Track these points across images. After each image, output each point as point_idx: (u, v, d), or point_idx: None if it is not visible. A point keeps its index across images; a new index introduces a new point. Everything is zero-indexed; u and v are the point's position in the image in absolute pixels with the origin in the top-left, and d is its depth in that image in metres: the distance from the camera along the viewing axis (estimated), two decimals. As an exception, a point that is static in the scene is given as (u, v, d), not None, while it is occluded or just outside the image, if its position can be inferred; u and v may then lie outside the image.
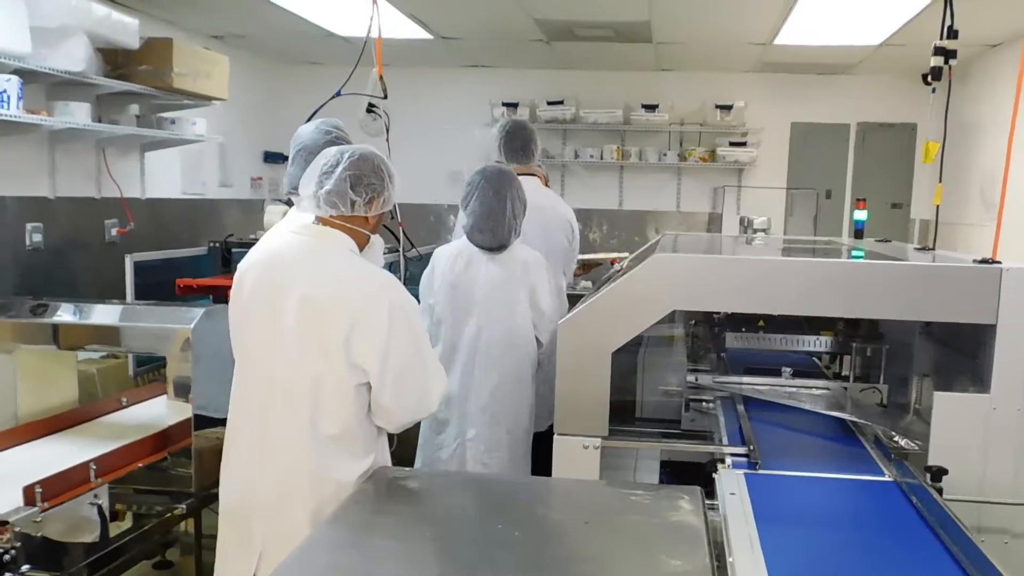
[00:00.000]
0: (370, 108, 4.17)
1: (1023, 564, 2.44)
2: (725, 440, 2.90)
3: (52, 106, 4.72)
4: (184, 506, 3.23)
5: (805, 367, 3.78)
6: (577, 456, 2.84)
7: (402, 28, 6.57)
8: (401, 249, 3.93)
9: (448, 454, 3.51)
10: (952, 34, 4.75)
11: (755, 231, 6.10)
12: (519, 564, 1.93)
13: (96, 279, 5.38)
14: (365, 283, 2.43)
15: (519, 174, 4.03)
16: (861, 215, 4.67)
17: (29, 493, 2.62)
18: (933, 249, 3.87)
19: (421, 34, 6.90)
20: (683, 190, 8.66)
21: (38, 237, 5.08)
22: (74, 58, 4.50)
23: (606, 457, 2.87)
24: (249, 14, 6.36)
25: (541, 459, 2.95)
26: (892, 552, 2.15)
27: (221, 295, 4.03)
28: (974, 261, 2.81)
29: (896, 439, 2.94)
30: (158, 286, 4.60)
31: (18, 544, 2.50)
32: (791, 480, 2.61)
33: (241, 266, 2.59)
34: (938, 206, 5.42)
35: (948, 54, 4.74)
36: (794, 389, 3.49)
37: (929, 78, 4.81)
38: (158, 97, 5.39)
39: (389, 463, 2.60)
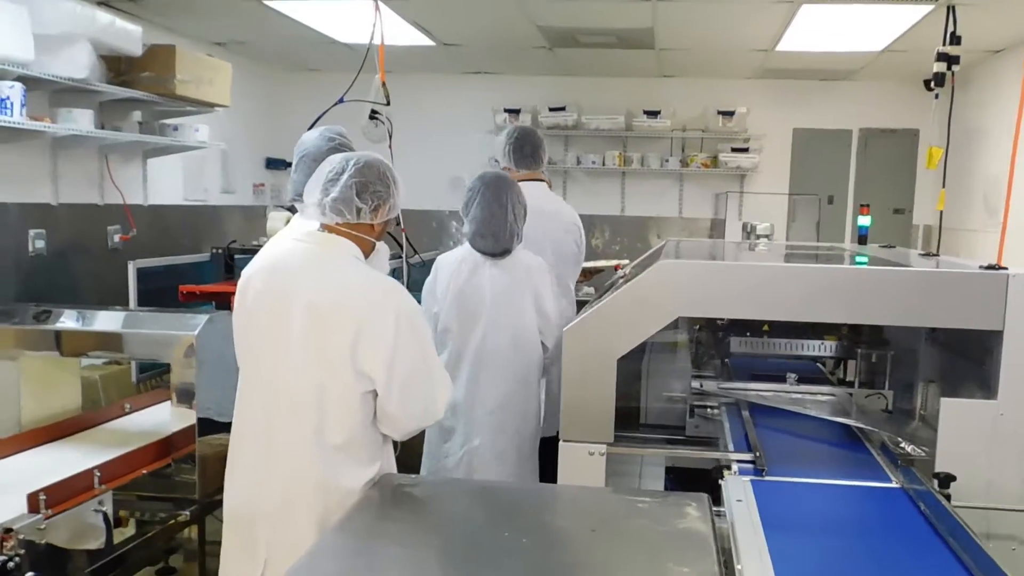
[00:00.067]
0: (373, 115, 4.17)
1: (1032, 571, 2.44)
2: (731, 446, 2.89)
3: (55, 113, 4.72)
4: (188, 513, 3.23)
5: (809, 373, 3.78)
6: (583, 462, 2.83)
7: (404, 35, 6.58)
8: (404, 255, 3.93)
9: (455, 462, 3.50)
10: (955, 40, 4.77)
11: (758, 237, 6.10)
12: (527, 571, 1.93)
13: (98, 285, 5.38)
14: (371, 290, 2.42)
15: (528, 179, 4.06)
16: (865, 221, 4.66)
17: (33, 500, 2.61)
18: (937, 255, 3.86)
19: (423, 41, 6.90)
20: (685, 196, 8.65)
21: (41, 244, 5.07)
22: (77, 65, 4.51)
23: (611, 463, 2.86)
24: (251, 21, 6.37)
25: (551, 464, 2.94)
26: (901, 559, 2.14)
27: (224, 301, 4.03)
28: (980, 267, 2.81)
29: (903, 445, 2.93)
30: (161, 292, 4.59)
31: (22, 551, 2.48)
32: (798, 487, 2.60)
33: (245, 273, 2.59)
34: (942, 212, 5.43)
35: (951, 60, 4.76)
36: (799, 395, 3.49)
37: (932, 84, 4.82)
38: (161, 104, 5.39)
39: (395, 470, 2.59)
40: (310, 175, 2.64)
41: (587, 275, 5.31)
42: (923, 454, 2.84)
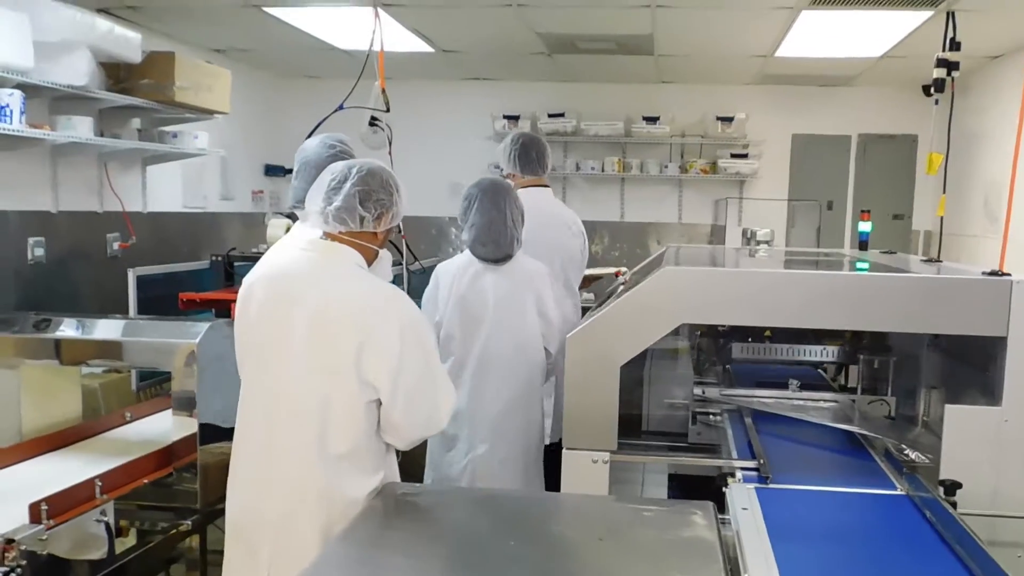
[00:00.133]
0: (373, 121, 4.17)
1: (1037, 579, 2.43)
2: (734, 454, 2.88)
3: (55, 120, 4.71)
4: (190, 522, 3.21)
5: (810, 379, 3.77)
6: (586, 470, 2.82)
7: (404, 41, 6.58)
8: (404, 262, 3.92)
9: (459, 470, 3.49)
10: (954, 46, 4.77)
11: (758, 243, 6.10)
12: (534, 581, 1.92)
13: (98, 293, 5.36)
14: (375, 299, 2.41)
15: (532, 185, 4.08)
16: (865, 226, 4.66)
17: (35, 510, 2.60)
18: (939, 261, 3.86)
19: (423, 47, 6.90)
20: (684, 202, 8.66)
21: (40, 251, 5.06)
22: (77, 72, 4.50)
23: (613, 471, 2.85)
24: (251, 28, 6.37)
25: (559, 470, 2.93)
26: (908, 567, 2.13)
27: (224, 309, 4.01)
28: (984, 273, 2.80)
29: (907, 452, 2.92)
30: (160, 300, 4.58)
31: (24, 562, 2.47)
32: (803, 494, 2.59)
33: (247, 281, 2.58)
34: (942, 217, 5.42)
35: (951, 66, 4.75)
36: (801, 402, 3.48)
37: (932, 89, 4.82)
38: (160, 111, 5.38)
39: (398, 479, 2.58)
40: (311, 182, 2.64)
41: (586, 282, 5.32)
42: (927, 461, 2.84)
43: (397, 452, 2.63)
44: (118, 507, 2.97)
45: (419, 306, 3.25)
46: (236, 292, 2.63)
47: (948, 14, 4.81)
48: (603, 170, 8.48)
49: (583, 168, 8.51)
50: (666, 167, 8.45)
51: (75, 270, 5.36)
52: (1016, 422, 2.65)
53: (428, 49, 6.99)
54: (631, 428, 3.15)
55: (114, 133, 5.27)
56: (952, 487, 2.41)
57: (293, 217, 3.39)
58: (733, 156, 8.35)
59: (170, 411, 3.51)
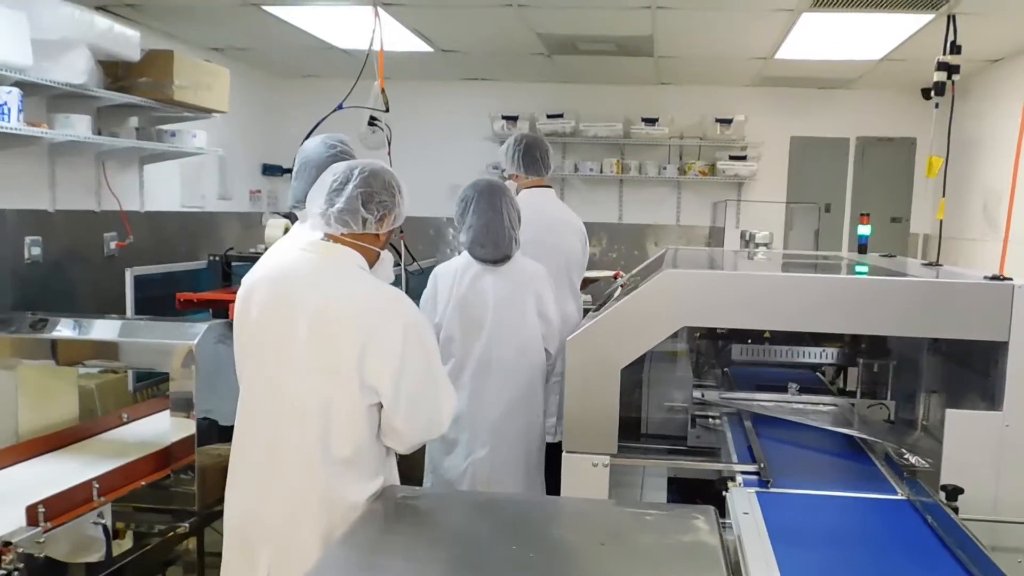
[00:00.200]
0: (372, 121, 4.17)
1: (1039, 585, 2.42)
2: (734, 457, 2.88)
3: (53, 119, 4.69)
4: (187, 524, 3.19)
5: (809, 383, 3.76)
6: (586, 474, 2.82)
7: (403, 41, 6.56)
8: (403, 263, 3.91)
9: (459, 473, 3.47)
10: (955, 49, 4.77)
11: (757, 245, 6.10)
12: (535, 586, 1.90)
13: (95, 293, 5.34)
14: (376, 301, 2.40)
15: (536, 186, 4.10)
16: (865, 230, 4.66)
17: (32, 513, 2.58)
18: (939, 265, 3.85)
19: (422, 47, 6.89)
20: (683, 204, 8.65)
21: (37, 251, 5.04)
22: (75, 70, 4.47)
23: (613, 474, 2.84)
24: (250, 27, 6.35)
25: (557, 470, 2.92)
26: (910, 572, 2.13)
27: (221, 309, 3.99)
28: (985, 278, 2.80)
29: (907, 456, 2.92)
30: (158, 300, 4.56)
31: (20, 565, 2.45)
32: (803, 499, 2.59)
33: (247, 282, 2.56)
34: (941, 221, 5.42)
35: (951, 69, 4.76)
36: (801, 405, 3.48)
37: (932, 93, 4.83)
38: (158, 110, 5.36)
39: (398, 482, 2.56)
40: (311, 183, 2.62)
41: (583, 284, 5.32)
42: (927, 465, 2.83)
43: (396, 455, 2.62)
44: (115, 509, 2.95)
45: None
46: (234, 292, 2.61)
47: (948, 17, 4.82)
48: (601, 171, 8.47)
49: (581, 169, 8.50)
50: (664, 169, 8.43)
51: (72, 269, 5.33)
52: (1017, 427, 2.65)
53: (427, 49, 6.98)
54: (630, 431, 3.15)
55: (112, 132, 5.25)
56: (954, 492, 2.41)
57: (291, 217, 3.38)
58: (732, 158, 8.34)
59: (167, 412, 3.50)
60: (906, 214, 8.40)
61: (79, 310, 4.99)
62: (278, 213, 6.88)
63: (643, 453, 3.09)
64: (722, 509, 2.44)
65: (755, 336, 3.66)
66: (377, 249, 2.50)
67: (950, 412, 2.70)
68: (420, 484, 3.59)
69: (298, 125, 4.17)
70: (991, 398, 2.73)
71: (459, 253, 3.70)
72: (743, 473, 2.71)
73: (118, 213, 5.65)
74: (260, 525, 2.42)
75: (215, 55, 7.22)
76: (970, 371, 2.94)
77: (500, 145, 8.11)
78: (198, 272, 5.23)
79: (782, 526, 2.28)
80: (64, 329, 3.46)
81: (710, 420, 3.36)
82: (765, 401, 3.50)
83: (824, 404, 3.50)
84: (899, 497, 2.61)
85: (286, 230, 4.07)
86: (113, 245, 5.66)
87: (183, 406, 3.28)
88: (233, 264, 4.99)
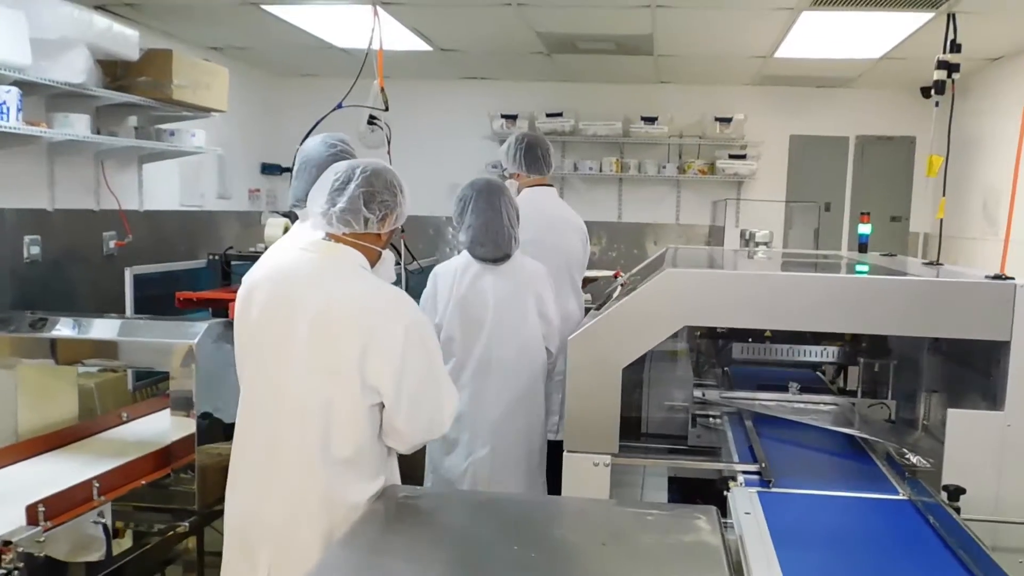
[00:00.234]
0: (371, 120, 4.16)
1: (1041, 585, 2.42)
2: (735, 457, 2.87)
3: (52, 118, 4.68)
4: (187, 524, 3.19)
5: (809, 382, 3.76)
6: (587, 473, 2.81)
7: (402, 40, 6.56)
8: (403, 262, 3.91)
9: (459, 473, 3.47)
10: (955, 48, 4.76)
11: (757, 244, 6.09)
12: (537, 587, 1.90)
13: (94, 292, 5.34)
14: (378, 301, 2.39)
15: (537, 185, 4.10)
16: (865, 229, 4.66)
17: (32, 512, 2.57)
18: (940, 264, 3.85)
19: (421, 46, 6.88)
20: (682, 203, 8.65)
21: (36, 250, 5.03)
22: (74, 70, 4.47)
23: (614, 473, 2.84)
24: (249, 26, 6.34)
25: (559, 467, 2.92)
26: (913, 573, 2.12)
27: (221, 308, 3.99)
28: (987, 277, 2.80)
29: (908, 456, 2.92)
30: (157, 299, 4.56)
31: (20, 564, 2.45)
32: (805, 499, 2.58)
33: (247, 281, 2.55)
34: (942, 220, 5.42)
35: (951, 68, 4.75)
36: (802, 405, 3.48)
37: (932, 91, 4.82)
38: (157, 109, 5.35)
39: (399, 483, 2.56)
40: (312, 182, 2.62)
41: (583, 283, 5.32)
42: (929, 465, 2.83)
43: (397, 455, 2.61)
44: (115, 508, 2.94)
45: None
46: (233, 291, 2.60)
47: (948, 16, 4.82)
48: (601, 170, 8.47)
49: (581, 168, 8.50)
50: (664, 167, 8.43)
51: (71, 269, 5.33)
52: (1019, 427, 2.64)
53: (426, 48, 6.97)
54: (630, 430, 3.15)
55: (111, 131, 5.24)
56: (956, 492, 2.40)
57: (291, 216, 3.37)
58: (731, 157, 8.34)
59: (166, 411, 3.49)
60: (905, 213, 8.40)
61: (78, 309, 4.97)
62: (277, 212, 6.87)
63: (644, 453, 3.08)
64: (723, 509, 2.44)
65: (755, 335, 3.65)
66: (379, 249, 2.49)
67: (952, 412, 2.70)
68: (421, 484, 3.58)
69: (297, 124, 4.17)
70: (992, 398, 2.72)
71: (458, 252, 3.69)
72: (744, 473, 2.70)
73: (117, 212, 5.64)
74: (260, 525, 2.41)
75: (214, 54, 7.21)
76: (971, 371, 2.94)
77: (499, 144, 8.13)
78: (197, 271, 5.22)
79: (784, 526, 2.27)
80: (64, 328, 3.45)
81: (710, 419, 3.35)
82: (766, 400, 3.50)
83: (825, 404, 3.49)
84: (901, 497, 2.60)
85: (286, 229, 4.07)
86: (112, 244, 5.66)
87: (183, 405, 3.28)
88: (232, 263, 4.98)
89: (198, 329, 3.29)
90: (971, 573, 2.05)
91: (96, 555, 2.76)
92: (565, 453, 2.85)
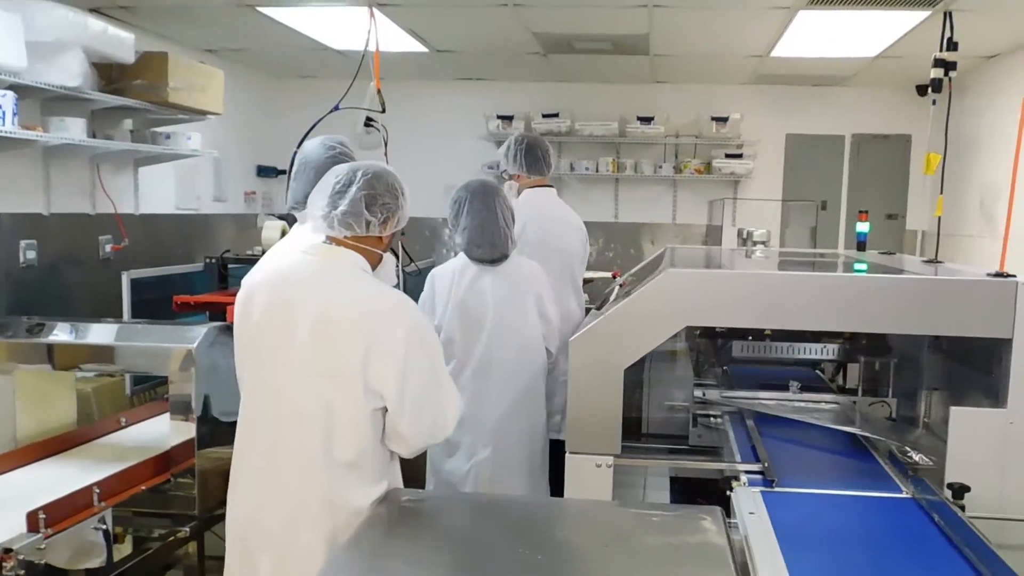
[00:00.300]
0: (368, 122, 4.15)
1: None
2: (738, 457, 2.86)
3: (47, 121, 4.66)
4: (187, 529, 3.17)
5: (808, 381, 3.75)
6: (590, 475, 2.80)
7: (399, 41, 6.55)
8: (400, 264, 3.89)
9: (461, 476, 3.46)
10: (952, 46, 4.75)
11: (754, 243, 6.10)
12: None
13: (90, 296, 5.32)
14: (380, 304, 2.37)
15: (537, 185, 4.11)
16: (863, 227, 4.66)
17: (32, 519, 2.55)
18: (940, 262, 3.85)
19: (417, 47, 6.87)
20: (679, 202, 8.65)
21: (32, 254, 5.01)
22: (70, 73, 4.45)
23: (616, 474, 2.83)
24: (244, 28, 6.33)
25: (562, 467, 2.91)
26: (919, 571, 2.11)
27: (218, 312, 3.98)
28: (988, 275, 2.79)
29: (910, 454, 2.91)
30: (154, 303, 4.54)
31: (22, 572, 2.43)
32: (809, 498, 2.57)
33: (247, 284, 2.53)
34: (939, 218, 5.42)
35: (948, 66, 4.74)
36: (802, 404, 3.47)
37: (929, 89, 4.81)
38: (153, 112, 5.33)
39: (401, 486, 2.54)
40: (311, 184, 2.60)
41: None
42: (931, 463, 2.82)
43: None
44: (115, 514, 2.92)
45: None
46: (231, 295, 2.59)
47: (945, 14, 4.81)
48: (597, 170, 8.47)
49: (577, 168, 8.50)
50: (660, 167, 8.43)
51: (67, 273, 5.31)
52: (1022, 424, 2.64)
53: (422, 49, 6.96)
54: (631, 431, 3.14)
55: (106, 134, 5.23)
56: (960, 490, 2.39)
57: (288, 218, 3.36)
58: (727, 156, 8.35)
59: (165, 415, 3.47)
60: (902, 211, 8.42)
61: (75, 314, 4.97)
62: (273, 214, 6.85)
63: (646, 453, 3.08)
64: (726, 508, 2.43)
65: (755, 333, 3.64)
66: (380, 252, 2.47)
67: (954, 410, 2.70)
68: (423, 486, 3.57)
69: (293, 126, 4.15)
70: (995, 395, 2.72)
71: (455, 255, 3.69)
72: (747, 472, 2.70)
73: (113, 216, 5.62)
74: (260, 530, 2.40)
75: (209, 56, 7.19)
76: (971, 368, 2.93)
77: (495, 145, 8.14)
78: (194, 275, 5.21)
79: (789, 526, 2.26)
80: (62, 333, 3.43)
81: (711, 419, 3.34)
82: (766, 399, 3.49)
83: (826, 402, 3.48)
84: (904, 495, 2.59)
85: (283, 232, 4.06)
86: (108, 248, 5.64)
87: (182, 409, 3.26)
88: (230, 266, 4.98)
89: (197, 333, 3.27)
90: (978, 571, 2.05)
91: (97, 562, 2.74)
92: (567, 454, 2.83)
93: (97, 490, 2.85)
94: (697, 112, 8.33)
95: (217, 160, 7.08)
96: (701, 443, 3.26)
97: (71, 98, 4.65)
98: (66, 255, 5.31)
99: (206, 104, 5.54)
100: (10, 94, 4.10)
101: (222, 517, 2.56)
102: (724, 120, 8.22)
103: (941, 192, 5.23)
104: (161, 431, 3.55)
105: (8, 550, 2.42)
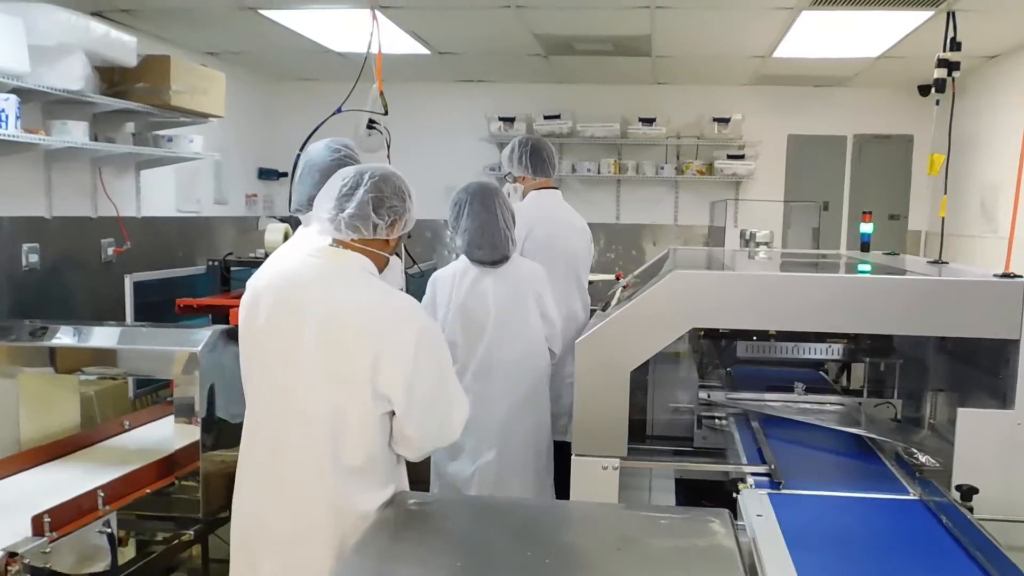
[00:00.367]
0: (371, 124, 4.15)
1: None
2: (744, 458, 2.86)
3: (49, 125, 4.66)
4: (192, 532, 3.16)
5: (812, 382, 3.75)
6: (596, 477, 2.79)
7: (400, 44, 6.54)
8: (403, 265, 3.89)
9: (466, 478, 3.45)
10: (955, 46, 4.75)
11: (758, 244, 6.09)
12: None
13: (93, 299, 5.32)
14: (388, 308, 2.36)
15: (543, 187, 4.11)
16: (867, 227, 4.65)
17: (37, 523, 2.54)
18: (945, 262, 3.84)
19: (418, 49, 6.87)
20: (681, 203, 8.64)
21: (34, 257, 5.01)
22: (72, 76, 4.45)
23: (622, 476, 2.82)
24: (246, 31, 6.32)
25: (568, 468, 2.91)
26: (928, 573, 2.11)
27: (221, 314, 3.97)
28: (995, 276, 2.79)
29: (917, 456, 2.90)
30: (157, 306, 4.53)
31: (27, 576, 2.43)
32: (816, 500, 2.57)
33: (253, 287, 2.52)
34: (943, 218, 5.41)
35: (951, 66, 4.73)
36: (808, 405, 3.46)
37: (933, 89, 4.80)
38: (155, 115, 5.32)
39: (407, 489, 2.53)
40: (315, 186, 2.60)
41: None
42: (938, 465, 2.81)
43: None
44: (119, 517, 2.91)
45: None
46: (234, 298, 2.57)
47: (948, 14, 4.80)
48: (599, 172, 8.46)
49: (579, 170, 8.49)
50: (662, 168, 8.42)
51: (70, 276, 5.30)
52: (1029, 426, 2.63)
53: (424, 51, 6.96)
54: (636, 433, 3.13)
55: (108, 137, 5.22)
56: (969, 492, 2.39)
57: (291, 221, 3.35)
58: (729, 157, 8.33)
59: (168, 419, 3.47)
60: (904, 211, 8.40)
61: (77, 317, 4.96)
62: (275, 217, 6.85)
63: (651, 455, 3.07)
64: (732, 510, 2.42)
65: (760, 333, 3.64)
66: (386, 254, 2.46)
67: (962, 411, 2.69)
68: (426, 489, 3.56)
69: (294, 129, 4.15)
70: (1002, 397, 2.71)
71: (456, 257, 3.68)
72: (753, 474, 2.69)
73: (115, 219, 5.62)
74: (266, 534, 2.39)
75: (211, 59, 7.19)
76: (977, 370, 2.93)
77: (497, 146, 8.14)
78: (197, 277, 5.20)
79: (796, 528, 2.26)
80: (64, 337, 3.42)
81: (716, 421, 3.34)
82: (771, 401, 3.48)
83: (831, 404, 3.48)
84: (911, 497, 2.59)
85: (286, 235, 4.06)
86: (110, 251, 5.63)
87: (187, 412, 3.25)
88: (232, 269, 4.97)
89: (201, 336, 3.26)
90: (987, 573, 2.04)
91: (101, 565, 2.73)
92: (573, 457, 2.83)
93: (101, 494, 2.84)
94: (699, 113, 8.33)
95: (218, 163, 7.07)
96: (706, 445, 3.26)
97: (73, 101, 4.64)
98: (68, 258, 5.30)
99: (208, 107, 5.54)
100: (13, 98, 4.10)
101: (226, 520, 2.55)
102: (726, 121, 8.20)
103: (945, 192, 5.22)
104: (164, 434, 3.55)
105: (13, 554, 2.40)
